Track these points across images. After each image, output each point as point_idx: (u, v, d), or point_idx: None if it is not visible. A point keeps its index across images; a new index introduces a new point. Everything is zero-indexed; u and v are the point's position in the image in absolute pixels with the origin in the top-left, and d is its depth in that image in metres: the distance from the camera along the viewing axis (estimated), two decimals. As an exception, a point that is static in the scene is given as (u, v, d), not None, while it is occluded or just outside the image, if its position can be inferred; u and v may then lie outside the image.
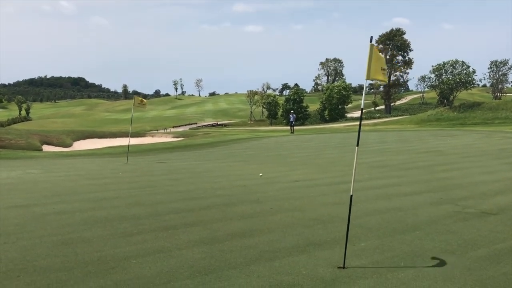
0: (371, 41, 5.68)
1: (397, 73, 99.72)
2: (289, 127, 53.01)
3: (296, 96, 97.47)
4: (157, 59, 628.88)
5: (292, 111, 62.72)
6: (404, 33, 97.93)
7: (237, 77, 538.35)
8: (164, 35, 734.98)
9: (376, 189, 11.40)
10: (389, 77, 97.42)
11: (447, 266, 5.72)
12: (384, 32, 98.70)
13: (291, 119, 50.20)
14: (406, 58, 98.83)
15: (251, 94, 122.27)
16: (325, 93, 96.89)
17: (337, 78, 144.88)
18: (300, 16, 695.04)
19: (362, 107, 6.50)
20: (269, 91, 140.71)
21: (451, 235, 7.12)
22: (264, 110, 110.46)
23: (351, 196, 6.10)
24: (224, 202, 9.83)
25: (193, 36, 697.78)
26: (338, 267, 5.65)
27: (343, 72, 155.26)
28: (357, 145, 6.13)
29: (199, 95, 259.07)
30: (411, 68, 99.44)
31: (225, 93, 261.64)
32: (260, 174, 6.53)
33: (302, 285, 5.10)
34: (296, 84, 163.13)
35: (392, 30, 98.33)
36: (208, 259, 5.97)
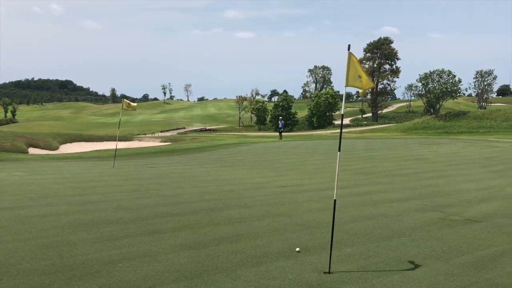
0: (349, 49, 5.78)
1: (384, 82, 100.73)
2: (277, 133, 53.05)
3: (284, 102, 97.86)
4: (146, 63, 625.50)
5: (280, 117, 62.86)
6: (392, 42, 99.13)
7: (227, 82, 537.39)
8: (154, 39, 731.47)
9: (362, 195, 11.48)
10: (377, 85, 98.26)
11: (431, 272, 5.78)
12: (372, 41, 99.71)
13: (280, 125, 50.28)
14: (394, 66, 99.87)
15: (240, 99, 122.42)
16: (313, 100, 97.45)
17: (325, 86, 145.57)
18: (291, 23, 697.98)
19: (342, 113, 6.63)
20: (258, 97, 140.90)
21: (436, 241, 7.21)
22: (253, 115, 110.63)
23: (335, 201, 6.16)
24: (212, 206, 9.82)
25: (184, 41, 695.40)
26: (324, 272, 5.68)
27: (331, 79, 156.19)
28: (339, 150, 6.18)
29: (188, 100, 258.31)
30: (398, 77, 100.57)
31: (214, 98, 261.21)
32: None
33: (288, 290, 5.12)
34: (285, 91, 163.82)
35: (380, 39, 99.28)
36: (195, 264, 5.96)
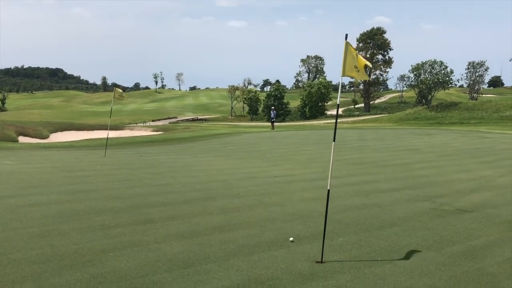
0: (346, 38, 5.75)
1: (377, 72, 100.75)
2: (269, 123, 52.97)
3: (277, 92, 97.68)
4: (137, 51, 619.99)
5: (272, 107, 62.75)
6: (385, 32, 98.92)
7: (219, 72, 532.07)
8: (146, 27, 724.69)
9: (354, 185, 11.51)
10: (369, 75, 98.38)
11: (423, 261, 5.82)
12: (365, 31, 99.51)
13: (272, 116, 50.22)
14: (386, 57, 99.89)
15: (232, 89, 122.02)
16: (305, 90, 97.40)
17: (318, 75, 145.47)
18: (283, 12, 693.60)
19: (338, 103, 6.63)
20: (250, 87, 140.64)
21: (427, 231, 7.25)
22: (245, 105, 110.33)
23: (328, 190, 6.15)
24: (204, 196, 9.79)
25: (175, 29, 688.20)
26: (316, 262, 5.70)
27: (324, 69, 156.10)
28: (334, 140, 6.18)
29: (180, 89, 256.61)
30: (390, 67, 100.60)
31: (206, 88, 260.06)
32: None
33: (281, 279, 5.13)
34: (277, 81, 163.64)
35: (373, 29, 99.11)
36: (187, 253, 5.94)
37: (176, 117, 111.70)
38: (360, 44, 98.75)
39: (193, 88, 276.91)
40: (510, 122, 51.87)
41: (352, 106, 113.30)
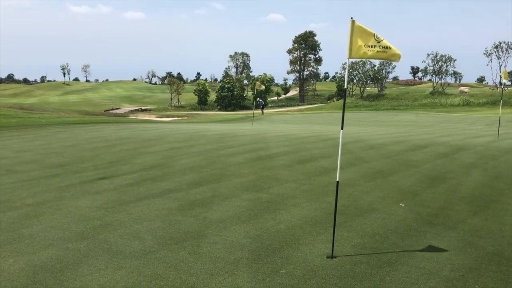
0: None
1: (310, 69, 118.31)
2: (259, 111, 66.50)
3: (229, 85, 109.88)
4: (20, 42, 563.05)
5: (259, 99, 75.52)
6: (315, 35, 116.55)
7: (118, 64, 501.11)
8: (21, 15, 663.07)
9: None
10: (303, 70, 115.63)
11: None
12: (299, 33, 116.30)
13: (263, 104, 64.50)
14: (317, 56, 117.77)
15: (171, 82, 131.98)
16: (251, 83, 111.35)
17: (245, 70, 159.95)
18: (183, 4, 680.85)
19: (345, 87, 6.57)
20: (154, 79, 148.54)
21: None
22: (195, 96, 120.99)
23: (337, 182, 6.12)
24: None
25: (63, 19, 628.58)
26: (327, 257, 5.66)
27: (250, 65, 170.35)
28: (342, 128, 6.13)
29: (87, 81, 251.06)
30: (320, 65, 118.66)
31: (106, 80, 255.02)
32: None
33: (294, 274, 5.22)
34: (198, 73, 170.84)
35: (306, 32, 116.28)
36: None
37: (119, 108, 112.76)
38: (295, 45, 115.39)
39: (96, 81, 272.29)
40: (429, 108, 71.13)
41: (276, 98, 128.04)
